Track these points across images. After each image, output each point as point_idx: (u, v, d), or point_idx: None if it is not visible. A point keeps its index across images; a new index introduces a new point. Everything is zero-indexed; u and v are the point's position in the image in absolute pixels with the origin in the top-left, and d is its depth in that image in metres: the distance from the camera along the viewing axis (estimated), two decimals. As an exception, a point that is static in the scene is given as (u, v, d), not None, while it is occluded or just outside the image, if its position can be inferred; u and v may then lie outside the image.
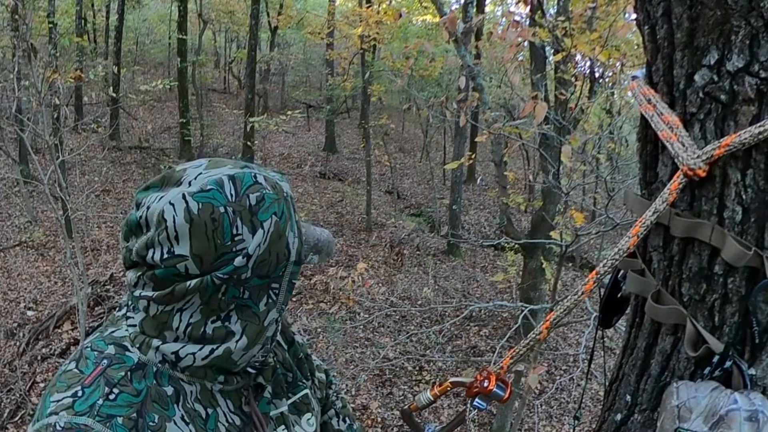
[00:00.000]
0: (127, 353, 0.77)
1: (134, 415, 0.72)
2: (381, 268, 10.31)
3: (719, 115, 0.84)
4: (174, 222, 0.68)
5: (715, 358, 0.85)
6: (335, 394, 1.20)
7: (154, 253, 0.70)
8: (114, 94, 12.43)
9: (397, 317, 8.64)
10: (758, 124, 0.78)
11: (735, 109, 0.82)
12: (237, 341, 0.77)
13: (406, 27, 14.65)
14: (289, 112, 13.42)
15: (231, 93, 22.21)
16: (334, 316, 8.23)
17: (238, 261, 0.71)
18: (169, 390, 0.77)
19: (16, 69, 6.01)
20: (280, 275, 0.78)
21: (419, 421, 1.26)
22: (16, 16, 6.80)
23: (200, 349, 0.76)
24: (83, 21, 16.34)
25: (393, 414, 6.71)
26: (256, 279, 0.75)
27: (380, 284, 9.33)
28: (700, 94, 0.85)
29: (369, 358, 7.33)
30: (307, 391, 0.99)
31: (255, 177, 0.75)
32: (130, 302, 0.80)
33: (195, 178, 0.72)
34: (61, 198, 5.93)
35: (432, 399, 1.19)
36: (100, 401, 0.71)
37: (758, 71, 0.79)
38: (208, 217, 0.69)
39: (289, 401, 0.94)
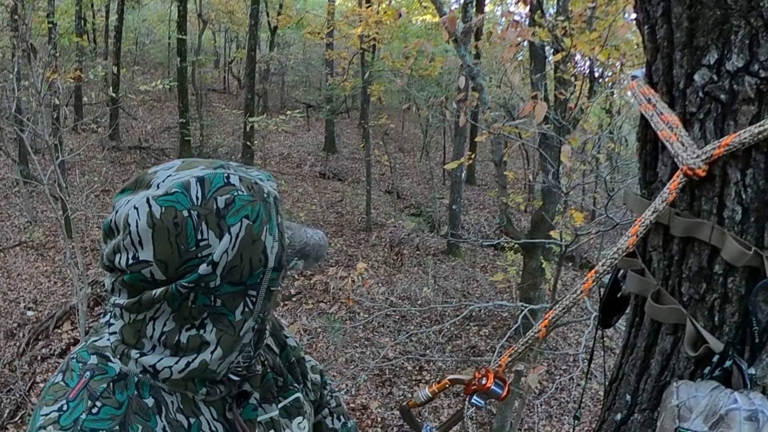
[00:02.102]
0: (109, 363, 0.76)
1: (116, 428, 0.72)
2: (381, 268, 10.31)
3: (719, 115, 0.84)
4: (137, 226, 0.67)
5: (715, 358, 0.85)
6: (330, 393, 1.20)
7: (120, 258, 0.69)
8: (114, 94, 12.42)
9: (397, 317, 8.64)
10: (758, 124, 0.78)
11: (735, 108, 0.82)
12: (212, 352, 0.74)
13: (405, 27, 14.65)
14: (288, 112, 13.40)
15: (231, 93, 22.21)
16: (334, 316, 8.23)
17: (203, 269, 0.68)
18: (150, 401, 0.76)
19: (16, 69, 6.00)
20: (257, 282, 0.73)
21: (419, 420, 1.26)
22: (16, 16, 6.81)
23: (176, 363, 0.73)
24: (83, 21, 16.34)
25: (393, 414, 6.71)
26: (227, 286, 0.71)
27: (380, 284, 9.33)
28: (700, 94, 0.85)
29: (369, 358, 7.33)
30: (298, 395, 0.98)
31: (227, 178, 0.71)
32: (110, 309, 0.79)
33: (163, 181, 0.70)
34: (60, 198, 5.93)
35: (430, 396, 1.20)
36: (83, 416, 0.71)
37: (758, 71, 0.79)
38: (170, 222, 0.67)
39: (280, 405, 0.93)
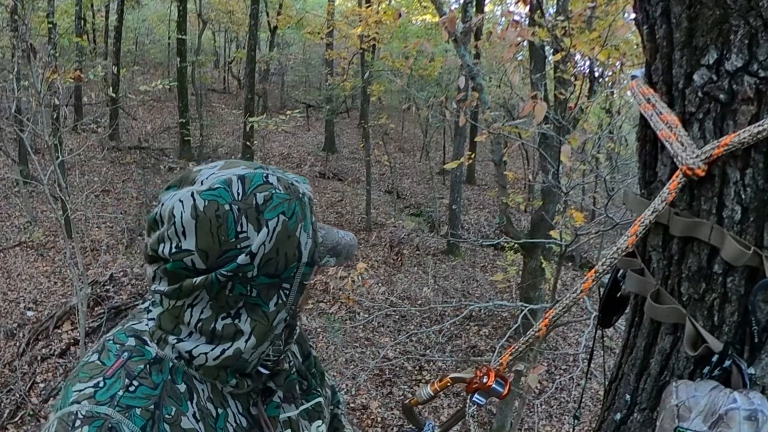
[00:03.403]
0: (146, 347, 0.79)
1: (152, 406, 0.74)
2: (381, 268, 10.32)
3: (718, 115, 0.84)
4: (181, 218, 0.71)
5: (715, 358, 0.85)
6: (342, 413, 1.23)
7: (164, 247, 0.73)
8: (113, 95, 12.42)
9: (397, 317, 8.64)
10: (757, 124, 0.78)
11: (734, 108, 0.82)
12: (246, 340, 0.78)
13: (405, 27, 14.66)
14: (288, 112, 13.40)
15: (230, 93, 22.21)
16: (334, 316, 8.24)
17: (242, 259, 0.73)
18: (182, 387, 0.79)
19: (16, 69, 6.00)
20: (291, 275, 0.78)
21: (420, 418, 1.27)
22: (16, 17, 6.81)
23: (212, 350, 0.77)
24: (83, 21, 16.34)
25: (393, 414, 6.71)
26: (263, 278, 0.76)
27: (380, 284, 9.33)
28: (699, 94, 0.85)
29: (369, 357, 7.34)
30: (320, 399, 1.01)
31: (266, 177, 0.76)
32: (150, 296, 0.83)
33: (207, 178, 0.75)
34: (60, 198, 5.93)
35: (432, 394, 1.21)
36: (121, 392, 0.73)
37: (757, 71, 0.79)
38: (213, 214, 0.71)
39: (302, 407, 0.96)
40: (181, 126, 14.45)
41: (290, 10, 17.36)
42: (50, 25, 10.86)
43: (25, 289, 8.51)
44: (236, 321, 0.77)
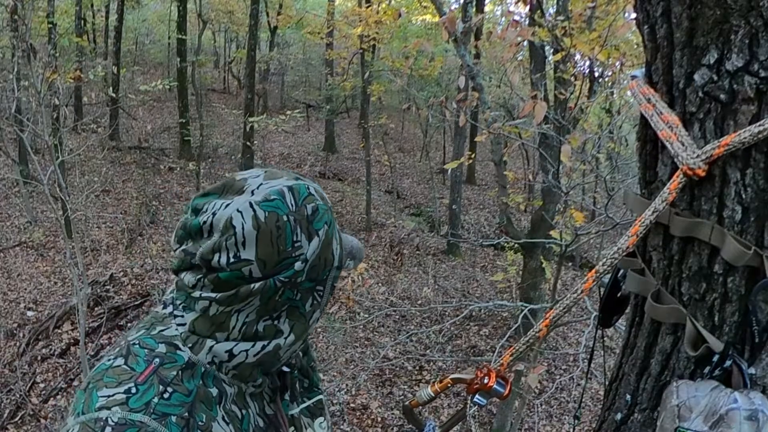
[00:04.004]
0: (178, 352, 0.78)
1: (186, 414, 0.74)
2: (381, 268, 10.31)
3: (719, 115, 0.84)
4: (243, 229, 0.73)
5: (715, 358, 0.85)
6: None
7: (220, 257, 0.74)
8: (113, 95, 12.42)
9: (397, 317, 8.64)
10: (758, 124, 0.78)
11: (734, 108, 0.82)
12: (286, 338, 0.82)
13: (405, 27, 14.66)
14: (288, 112, 13.39)
15: (230, 93, 22.21)
16: (334, 316, 8.24)
17: (298, 266, 0.77)
18: (214, 391, 0.79)
19: (16, 69, 6.00)
20: (324, 279, 0.84)
21: (421, 419, 1.27)
22: (16, 17, 6.80)
23: (252, 346, 0.80)
24: (82, 21, 16.34)
25: (393, 414, 6.72)
26: (307, 282, 0.80)
27: (380, 284, 9.34)
28: (700, 94, 0.85)
29: (369, 357, 7.34)
30: (321, 396, 1.03)
31: (308, 188, 0.81)
32: (178, 301, 0.82)
33: (258, 188, 0.78)
34: (60, 198, 5.93)
35: (433, 395, 1.20)
36: (156, 399, 0.72)
37: (758, 70, 0.79)
38: (273, 225, 0.74)
39: (304, 405, 0.98)
40: (181, 126, 14.44)
41: (290, 10, 17.36)
42: (50, 25, 10.86)
43: (25, 289, 8.51)
44: (276, 322, 0.81)
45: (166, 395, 0.73)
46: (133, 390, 0.72)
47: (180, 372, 0.76)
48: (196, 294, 0.77)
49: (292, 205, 0.76)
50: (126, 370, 0.74)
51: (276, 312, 0.80)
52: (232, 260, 0.73)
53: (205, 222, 0.75)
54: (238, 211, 0.74)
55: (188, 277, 0.78)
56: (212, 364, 0.79)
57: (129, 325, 7.86)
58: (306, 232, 0.77)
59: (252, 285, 0.75)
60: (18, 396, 6.48)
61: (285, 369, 0.91)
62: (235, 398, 0.82)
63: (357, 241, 0.96)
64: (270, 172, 0.82)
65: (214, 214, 0.75)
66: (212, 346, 0.78)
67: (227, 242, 0.73)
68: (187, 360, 0.78)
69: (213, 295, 0.76)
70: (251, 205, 0.74)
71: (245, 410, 0.83)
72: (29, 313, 7.97)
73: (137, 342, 0.79)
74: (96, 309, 8.00)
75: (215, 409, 0.78)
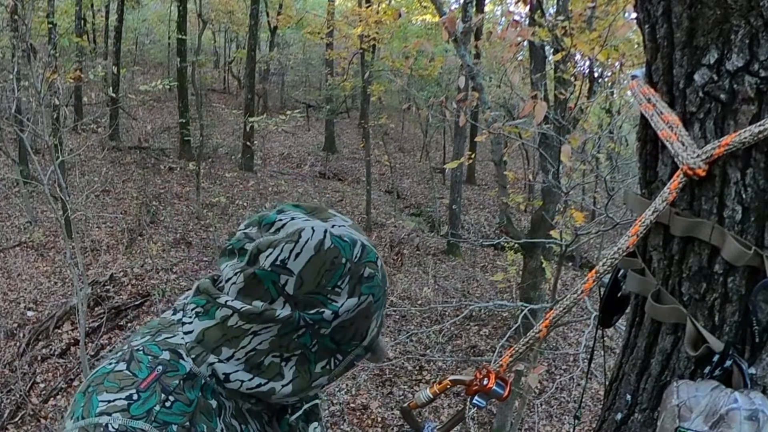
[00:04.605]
0: (181, 361, 0.77)
1: (187, 423, 0.73)
2: (381, 268, 10.30)
3: (719, 115, 0.84)
4: (305, 243, 0.75)
5: (716, 357, 0.85)
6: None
7: (271, 254, 0.75)
8: (114, 95, 12.42)
9: (397, 317, 8.64)
10: (758, 124, 0.78)
11: (735, 108, 0.82)
12: (283, 386, 0.80)
13: (405, 27, 14.67)
14: (288, 112, 13.40)
15: (230, 93, 22.21)
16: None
17: (327, 315, 0.76)
18: (214, 403, 0.78)
19: (16, 69, 6.00)
20: (347, 350, 0.83)
21: (419, 419, 1.26)
22: (16, 17, 6.81)
23: (250, 379, 0.78)
24: (83, 21, 16.34)
25: (393, 414, 6.72)
26: (329, 340, 0.80)
27: (380, 284, 9.31)
28: (700, 94, 0.85)
29: (369, 357, 7.32)
30: (317, 401, 1.01)
31: (378, 259, 0.83)
32: (192, 306, 0.81)
33: (341, 226, 0.81)
34: (60, 198, 5.93)
35: (432, 397, 1.20)
36: (157, 407, 0.71)
37: (758, 70, 0.79)
38: (330, 258, 0.76)
39: (300, 411, 0.97)
40: (181, 126, 14.44)
41: (290, 10, 17.37)
42: (50, 25, 10.86)
43: (25, 289, 8.51)
44: (282, 363, 0.79)
45: (168, 404, 0.72)
46: (135, 396, 0.71)
47: (182, 381, 0.75)
48: (222, 300, 0.77)
49: (356, 257, 0.78)
50: (128, 376, 0.73)
51: (288, 352, 0.78)
52: (278, 263, 0.74)
53: (280, 220, 0.78)
54: (312, 228, 0.76)
55: (227, 270, 0.78)
56: (212, 378, 0.78)
57: (129, 325, 7.87)
58: (351, 287, 0.78)
59: (278, 312, 0.74)
60: (18, 396, 6.49)
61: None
62: (234, 412, 0.81)
63: (384, 342, 0.95)
64: (356, 225, 0.86)
65: (292, 218, 0.79)
66: (213, 363, 0.77)
67: (285, 245, 0.74)
68: (188, 370, 0.77)
69: (238, 305, 0.75)
70: (325, 232, 0.76)
71: (245, 425, 0.83)
72: (29, 313, 7.97)
73: (141, 348, 0.78)
74: (96, 309, 8.00)
75: (215, 420, 0.77)
